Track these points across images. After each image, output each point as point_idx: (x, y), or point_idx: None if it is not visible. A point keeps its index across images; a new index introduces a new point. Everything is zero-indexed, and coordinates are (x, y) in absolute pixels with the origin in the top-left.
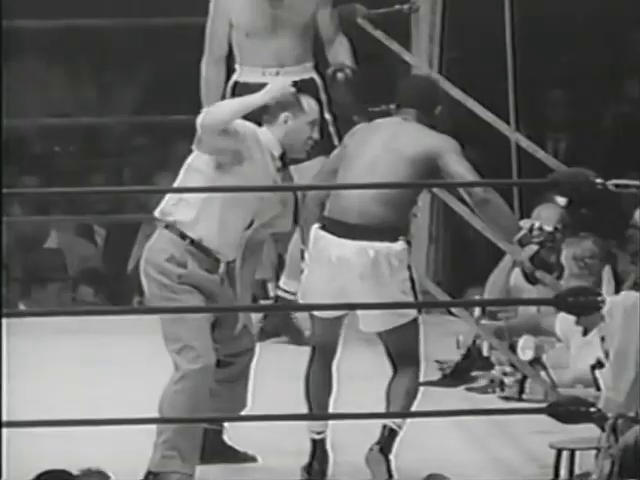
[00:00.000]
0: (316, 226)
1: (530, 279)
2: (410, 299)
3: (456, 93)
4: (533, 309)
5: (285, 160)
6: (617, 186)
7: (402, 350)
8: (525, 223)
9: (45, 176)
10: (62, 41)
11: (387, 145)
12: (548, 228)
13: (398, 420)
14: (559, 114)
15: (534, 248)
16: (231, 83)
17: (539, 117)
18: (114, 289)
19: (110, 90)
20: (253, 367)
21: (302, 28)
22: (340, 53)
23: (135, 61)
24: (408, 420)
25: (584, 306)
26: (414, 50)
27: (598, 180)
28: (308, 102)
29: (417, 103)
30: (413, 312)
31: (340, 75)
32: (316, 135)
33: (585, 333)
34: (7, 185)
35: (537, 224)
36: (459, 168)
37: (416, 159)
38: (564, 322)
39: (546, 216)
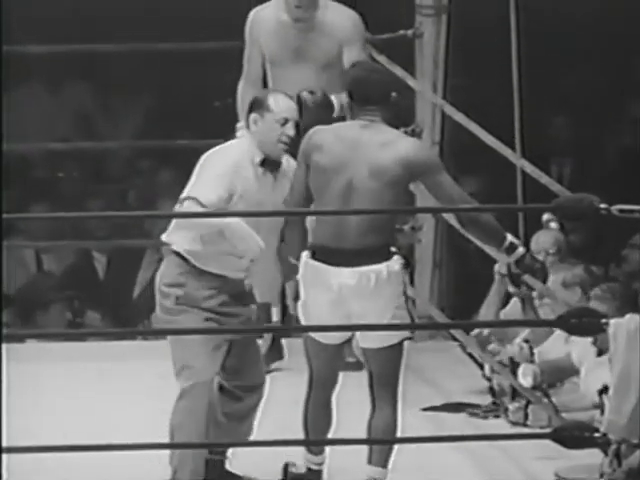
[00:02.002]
0: (306, 255)
1: (515, 282)
2: (405, 314)
3: (460, 118)
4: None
5: (267, 165)
6: (621, 211)
7: (385, 373)
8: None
9: (48, 201)
10: (66, 66)
11: (368, 168)
12: (539, 258)
13: (378, 475)
14: (564, 139)
15: (520, 252)
16: None
17: (544, 142)
18: (120, 315)
19: (114, 115)
20: None
21: (325, 61)
22: None
23: (139, 86)
24: (412, 446)
25: (587, 328)
26: (418, 75)
27: (602, 205)
28: (277, 100)
29: (377, 97)
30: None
31: (305, 94)
32: (290, 132)
33: (599, 354)
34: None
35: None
36: (447, 189)
37: (400, 179)
38: (577, 347)
39: (544, 241)
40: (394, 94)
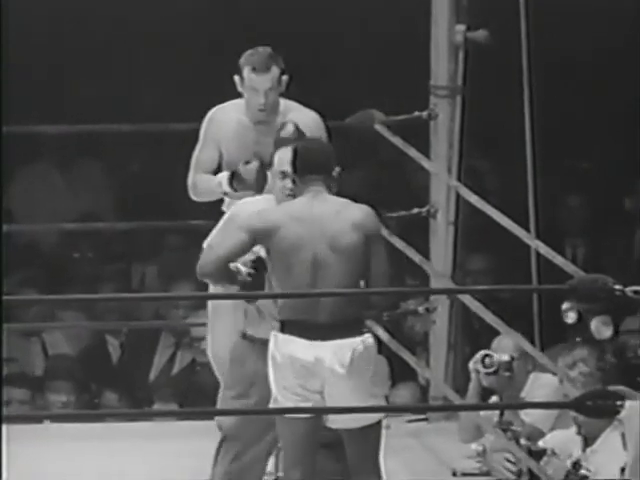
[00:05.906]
0: (274, 332)
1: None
2: (380, 393)
3: (475, 199)
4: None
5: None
6: (636, 292)
7: (364, 458)
8: (479, 355)
9: (61, 282)
10: (77, 146)
11: (328, 241)
12: (505, 357)
13: None
14: (578, 219)
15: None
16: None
17: (558, 222)
18: (137, 397)
19: (126, 194)
20: None
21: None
22: None
23: (150, 165)
24: None
25: (603, 410)
26: (433, 156)
27: (617, 286)
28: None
29: (321, 168)
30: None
31: (241, 167)
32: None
33: (586, 445)
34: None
35: (493, 356)
36: (383, 261)
37: (358, 244)
38: (558, 436)
39: (505, 345)
40: (338, 169)
